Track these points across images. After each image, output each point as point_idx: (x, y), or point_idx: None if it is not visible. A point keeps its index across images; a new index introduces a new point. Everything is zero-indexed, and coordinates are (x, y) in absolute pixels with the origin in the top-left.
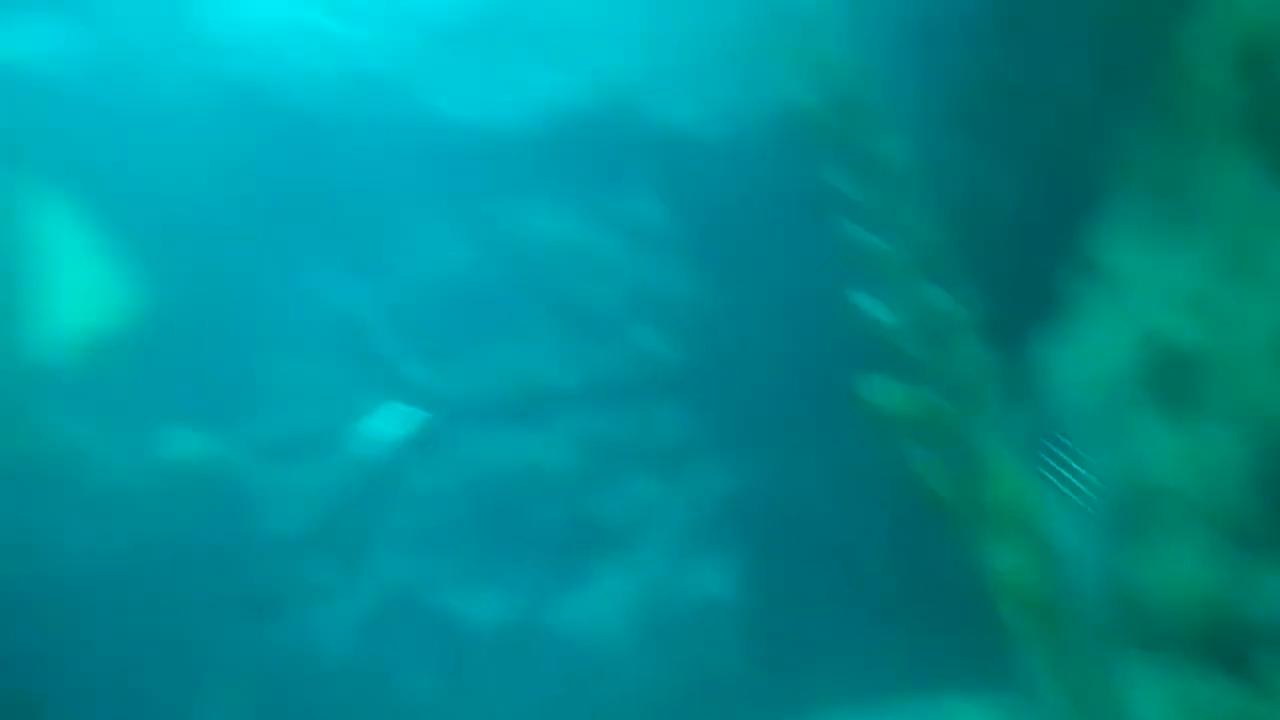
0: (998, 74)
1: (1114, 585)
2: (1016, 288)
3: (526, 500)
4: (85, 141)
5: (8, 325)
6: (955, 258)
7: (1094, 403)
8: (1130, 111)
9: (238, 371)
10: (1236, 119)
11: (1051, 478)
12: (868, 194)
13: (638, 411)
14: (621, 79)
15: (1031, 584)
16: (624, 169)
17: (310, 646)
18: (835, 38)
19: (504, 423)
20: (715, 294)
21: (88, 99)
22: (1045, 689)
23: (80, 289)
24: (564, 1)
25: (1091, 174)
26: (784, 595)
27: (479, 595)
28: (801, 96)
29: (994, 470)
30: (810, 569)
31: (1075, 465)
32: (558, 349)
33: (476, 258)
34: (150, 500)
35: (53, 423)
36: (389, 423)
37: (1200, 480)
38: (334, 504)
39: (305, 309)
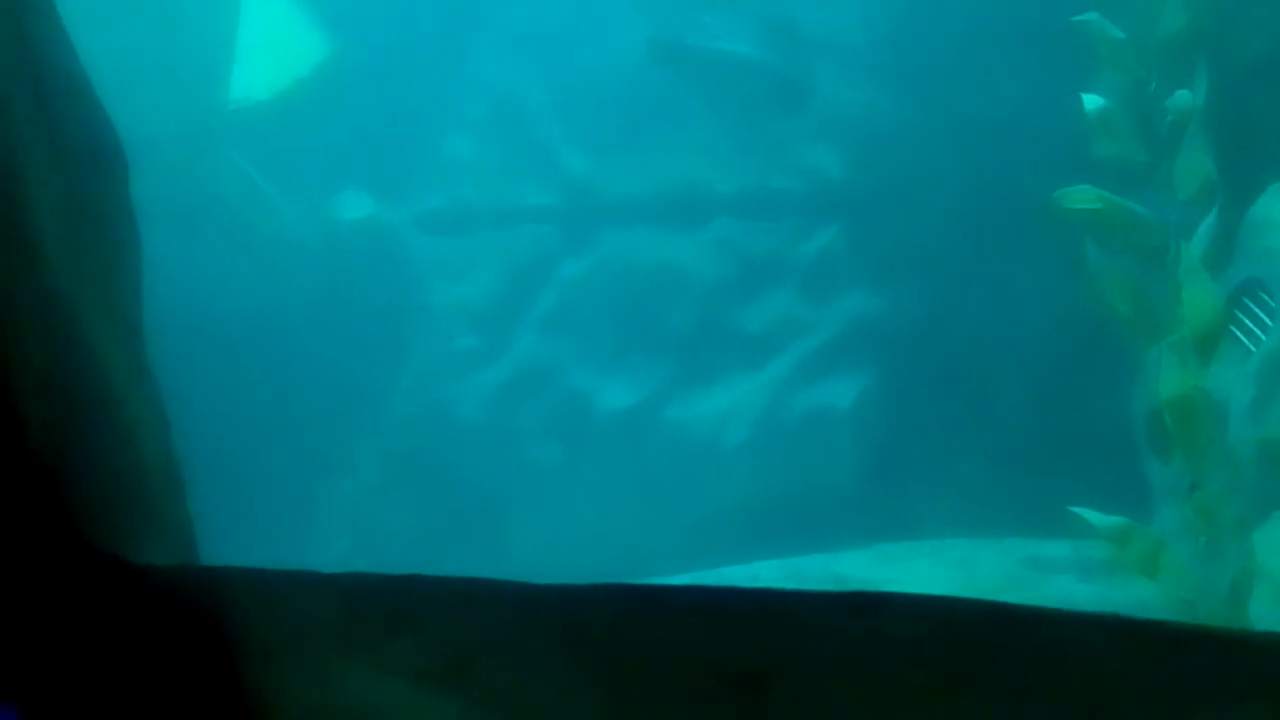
0: None
1: (1266, 443)
2: (1264, 124)
3: (666, 300)
4: None
5: (211, 74)
6: (1205, 59)
7: None
8: None
9: (407, 143)
10: None
11: (1236, 329)
12: None
13: (791, 226)
14: None
15: (1191, 414)
16: None
17: (450, 406)
18: None
19: (655, 222)
20: (905, 112)
21: None
22: (1177, 531)
23: (274, 46)
24: None
25: None
26: (909, 421)
27: (609, 381)
28: None
29: (1189, 291)
30: (942, 399)
31: (1267, 321)
32: (720, 155)
33: (650, 58)
34: (319, 255)
35: (240, 171)
36: None
37: None
38: (485, 279)
39: (473, 91)
